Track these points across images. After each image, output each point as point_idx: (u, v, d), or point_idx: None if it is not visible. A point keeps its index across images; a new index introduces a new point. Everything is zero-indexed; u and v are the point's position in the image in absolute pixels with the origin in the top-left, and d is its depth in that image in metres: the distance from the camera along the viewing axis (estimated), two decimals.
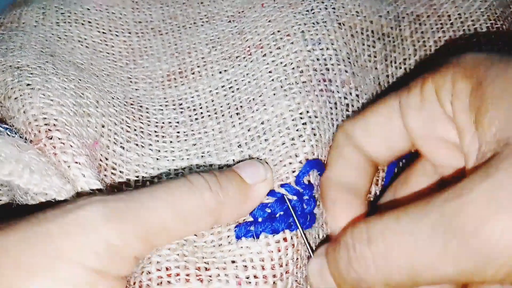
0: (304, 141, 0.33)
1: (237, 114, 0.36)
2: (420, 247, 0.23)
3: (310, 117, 0.34)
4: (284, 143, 0.33)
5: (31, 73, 0.34)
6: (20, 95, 0.32)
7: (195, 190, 0.28)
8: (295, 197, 0.31)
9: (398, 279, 0.24)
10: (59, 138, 0.30)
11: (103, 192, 0.30)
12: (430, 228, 0.23)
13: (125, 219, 0.25)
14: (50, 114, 0.31)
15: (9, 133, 0.30)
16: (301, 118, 0.34)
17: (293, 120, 0.34)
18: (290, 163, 0.32)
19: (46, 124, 0.30)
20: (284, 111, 0.34)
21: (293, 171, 0.31)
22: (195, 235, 0.30)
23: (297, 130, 0.33)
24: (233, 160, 0.34)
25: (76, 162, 0.30)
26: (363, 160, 0.32)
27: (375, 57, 0.40)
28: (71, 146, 0.30)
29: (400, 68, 0.41)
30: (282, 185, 0.31)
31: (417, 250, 0.23)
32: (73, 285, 0.24)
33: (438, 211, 0.23)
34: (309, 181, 0.32)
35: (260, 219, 0.30)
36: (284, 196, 0.31)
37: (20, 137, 0.30)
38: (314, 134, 0.33)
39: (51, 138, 0.30)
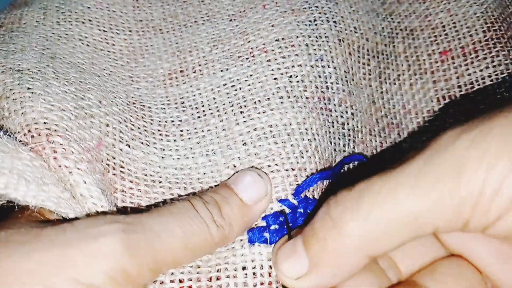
0: (310, 156, 0.33)
1: (241, 112, 0.36)
2: (403, 199, 0.24)
3: (313, 134, 0.35)
4: (294, 152, 0.33)
5: (32, 77, 0.33)
6: (20, 97, 0.32)
7: (203, 224, 0.28)
8: (301, 210, 0.32)
9: (381, 234, 0.24)
10: (60, 144, 0.30)
11: (114, 213, 0.30)
12: (414, 179, 0.24)
13: (142, 253, 0.26)
14: (51, 120, 0.31)
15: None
16: (306, 133, 0.34)
17: (300, 133, 0.34)
18: (301, 176, 0.33)
19: (47, 129, 0.30)
20: (292, 122, 0.35)
21: (299, 183, 0.32)
22: None
23: (304, 145, 0.34)
24: (239, 158, 0.34)
25: (78, 168, 0.30)
26: None
27: (369, 74, 0.41)
28: (72, 152, 0.30)
29: (395, 84, 0.42)
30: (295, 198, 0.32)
31: (401, 204, 0.24)
32: None
33: (423, 163, 0.24)
34: (313, 196, 0.33)
35: (273, 227, 0.31)
36: (284, 209, 0.32)
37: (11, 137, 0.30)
38: (318, 151, 0.34)
39: (52, 143, 0.30)
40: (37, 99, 0.32)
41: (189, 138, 0.36)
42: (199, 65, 0.41)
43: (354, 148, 0.38)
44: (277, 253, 0.28)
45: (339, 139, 0.37)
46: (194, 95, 0.39)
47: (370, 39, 0.42)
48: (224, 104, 0.37)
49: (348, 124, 0.38)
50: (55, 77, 0.34)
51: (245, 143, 0.35)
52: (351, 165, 0.38)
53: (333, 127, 0.36)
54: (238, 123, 0.36)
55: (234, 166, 0.34)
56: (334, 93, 0.37)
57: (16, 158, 0.28)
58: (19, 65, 0.35)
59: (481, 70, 0.40)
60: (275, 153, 0.33)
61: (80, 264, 0.24)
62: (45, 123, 0.31)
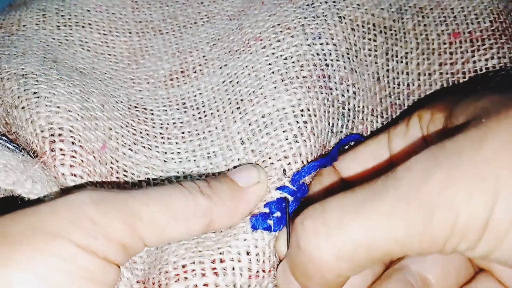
0: (305, 140, 0.33)
1: (237, 108, 0.36)
2: (378, 221, 0.25)
3: (310, 115, 0.34)
4: (287, 139, 0.33)
5: (37, 80, 0.34)
6: (28, 105, 0.32)
7: (186, 192, 0.29)
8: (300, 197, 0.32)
9: (352, 255, 0.26)
10: (60, 149, 0.31)
11: None
12: (392, 203, 0.25)
13: (111, 204, 0.26)
14: (57, 123, 0.31)
15: (17, 152, 0.31)
16: (302, 115, 0.33)
17: (294, 116, 0.33)
18: (296, 162, 0.32)
19: (51, 135, 0.31)
20: (286, 105, 0.34)
21: (296, 170, 0.32)
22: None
23: (298, 127, 0.33)
24: (238, 159, 0.34)
25: (73, 174, 0.30)
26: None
27: (375, 51, 0.39)
28: (71, 156, 0.31)
29: (401, 62, 0.41)
30: (293, 184, 0.32)
31: (377, 224, 0.25)
32: (56, 255, 0.24)
33: (397, 187, 0.25)
34: (304, 182, 0.33)
35: (277, 214, 0.31)
36: (286, 196, 0.32)
37: (28, 153, 0.31)
38: (313, 134, 0.33)
39: (53, 150, 0.31)
40: (42, 103, 0.32)
41: (191, 140, 0.36)
42: (199, 65, 0.41)
43: (352, 129, 0.37)
44: (277, 276, 0.30)
45: (338, 119, 0.36)
46: (195, 95, 0.39)
47: (376, 14, 0.40)
48: (223, 103, 0.37)
49: (349, 103, 0.37)
50: (60, 79, 0.35)
51: (243, 141, 0.35)
52: (346, 147, 0.38)
53: (332, 106, 0.36)
54: (235, 121, 0.36)
55: (234, 168, 0.34)
56: (334, 70, 0.36)
57: (29, 166, 0.29)
58: (23, 69, 0.35)
59: (486, 60, 0.39)
60: (268, 145, 0.33)
61: (44, 215, 0.25)
62: (50, 129, 0.31)
